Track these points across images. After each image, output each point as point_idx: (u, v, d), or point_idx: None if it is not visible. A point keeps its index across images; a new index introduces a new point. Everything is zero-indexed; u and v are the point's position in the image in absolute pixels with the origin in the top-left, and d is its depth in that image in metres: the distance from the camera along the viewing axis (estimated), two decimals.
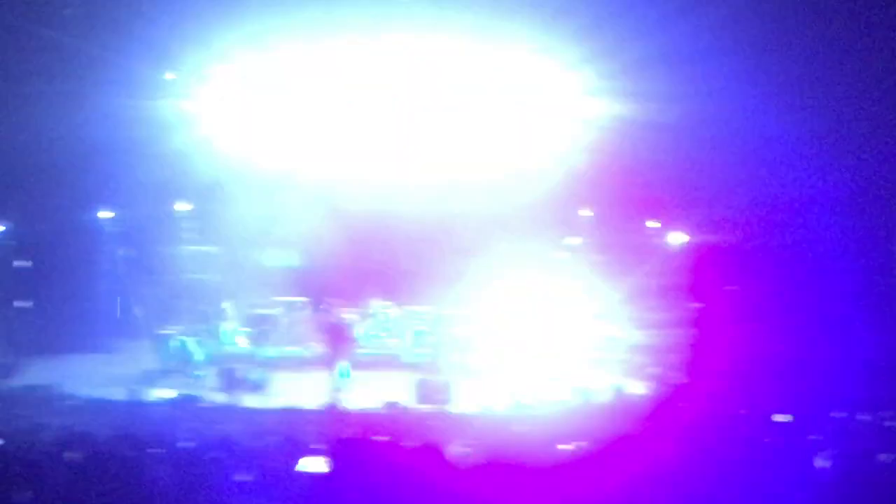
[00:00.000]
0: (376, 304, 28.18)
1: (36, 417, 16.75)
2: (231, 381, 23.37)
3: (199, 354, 25.70)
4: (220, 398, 22.53)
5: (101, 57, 25.01)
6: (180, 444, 13.42)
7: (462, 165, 28.02)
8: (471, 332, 26.74)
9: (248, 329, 26.74)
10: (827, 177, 24.86)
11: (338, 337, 23.78)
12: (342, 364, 23.31)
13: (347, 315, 26.20)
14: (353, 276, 28.26)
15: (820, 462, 11.59)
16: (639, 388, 22.17)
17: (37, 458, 12.19)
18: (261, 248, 29.20)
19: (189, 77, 27.15)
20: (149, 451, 12.76)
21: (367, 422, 18.18)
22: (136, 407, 19.11)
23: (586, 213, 27.73)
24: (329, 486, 11.08)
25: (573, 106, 27.30)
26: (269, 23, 25.64)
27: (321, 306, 26.40)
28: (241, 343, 26.69)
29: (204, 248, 28.84)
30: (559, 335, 25.80)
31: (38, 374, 23.95)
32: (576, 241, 28.43)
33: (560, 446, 13.26)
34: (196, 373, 24.93)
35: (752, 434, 13.41)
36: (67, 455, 12.24)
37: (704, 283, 25.61)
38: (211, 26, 25.27)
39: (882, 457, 11.88)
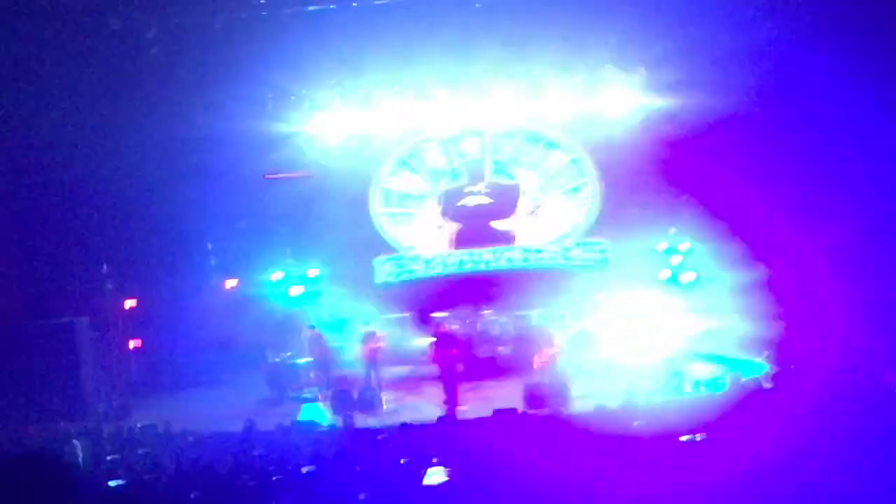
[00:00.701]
0: (486, 314, 28.27)
1: (156, 455, 16.89)
2: (345, 402, 23.46)
3: (312, 377, 25.93)
4: (336, 420, 22.63)
5: None
6: (301, 470, 13.46)
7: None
8: (580, 331, 26.70)
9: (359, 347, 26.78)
10: None
11: (450, 349, 23.82)
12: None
13: (457, 327, 26.38)
14: (460, 287, 28.52)
15: None
16: (756, 379, 21.88)
17: (160, 497, 12.29)
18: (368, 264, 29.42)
19: None
20: (270, 479, 12.82)
21: (483, 430, 18.07)
22: (253, 437, 19.14)
23: (690, 206, 27.44)
24: (451, 496, 11.07)
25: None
26: None
27: (431, 320, 26.59)
28: (354, 363, 26.71)
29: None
30: (669, 328, 25.65)
31: (155, 411, 24.32)
32: (682, 234, 28.22)
33: (681, 438, 13.15)
34: (309, 396, 25.14)
35: (876, 414, 13.15)
36: (192, 493, 12.31)
37: (817, 273, 25.26)
38: None
39: None
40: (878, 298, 23.34)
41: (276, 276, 28.41)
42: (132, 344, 27.60)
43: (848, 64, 24.02)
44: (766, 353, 23.13)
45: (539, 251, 29.34)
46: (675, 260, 28.05)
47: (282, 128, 28.42)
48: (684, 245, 28.08)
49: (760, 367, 22.32)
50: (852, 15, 24.36)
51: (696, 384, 22.28)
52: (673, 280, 27.78)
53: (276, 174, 28.83)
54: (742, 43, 25.61)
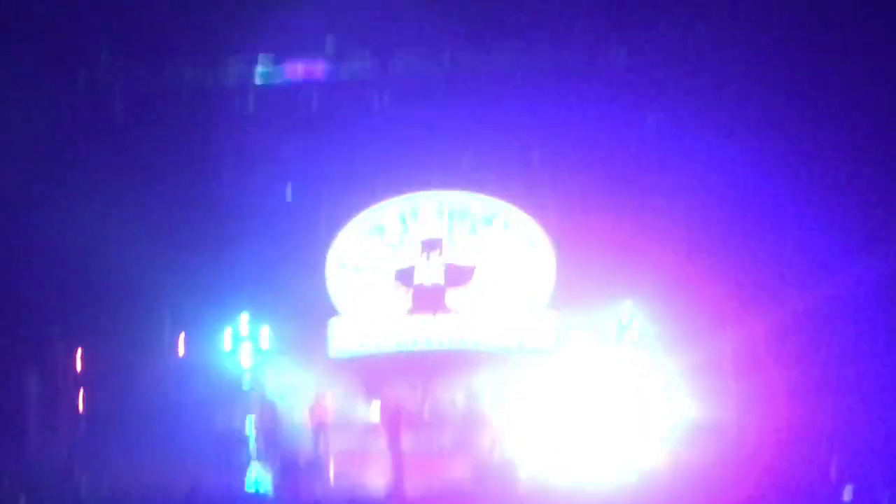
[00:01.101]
0: (437, 389, 28.21)
1: None
2: (292, 472, 23.35)
3: (260, 445, 25.81)
4: (282, 489, 22.55)
5: None
6: None
7: None
8: (529, 408, 26.64)
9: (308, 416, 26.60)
10: None
11: (399, 423, 23.74)
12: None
13: (407, 400, 26.34)
14: (412, 361, 28.49)
15: None
16: (700, 464, 21.96)
17: None
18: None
19: None
20: None
21: None
22: (198, 501, 19.01)
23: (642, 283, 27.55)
24: None
25: None
26: None
27: (381, 393, 26.58)
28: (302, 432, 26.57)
29: None
30: (619, 408, 25.65)
31: (101, 471, 24.11)
32: (630, 307, 28.25)
33: None
34: (256, 463, 24.99)
35: None
36: None
37: (765, 358, 25.49)
38: None
39: None
40: (838, 396, 23.63)
41: (228, 341, 28.28)
42: (79, 402, 27.28)
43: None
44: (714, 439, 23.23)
45: (493, 331, 29.33)
46: (628, 337, 28.02)
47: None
48: (635, 324, 28.08)
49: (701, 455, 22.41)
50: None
51: (641, 468, 22.32)
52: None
53: None
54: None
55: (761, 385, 24.59)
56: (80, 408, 27.52)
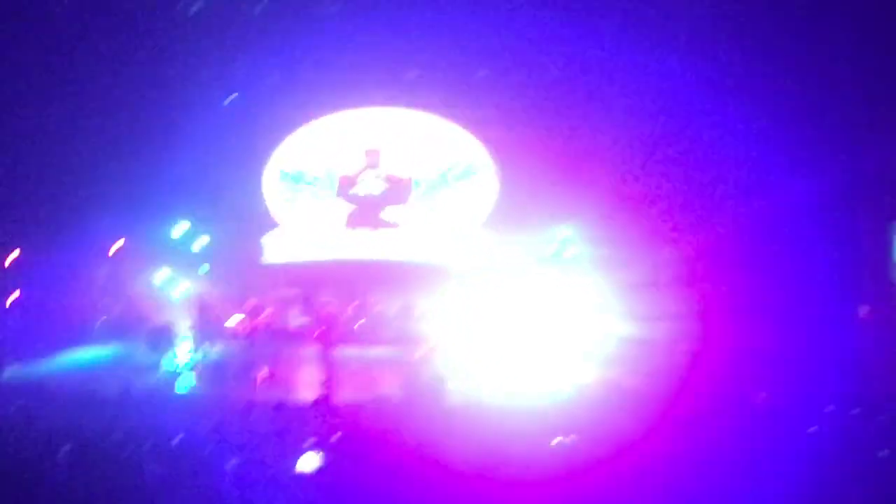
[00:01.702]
0: (372, 300, 28.24)
1: (29, 411, 16.63)
2: (224, 375, 23.37)
3: (194, 346, 25.75)
4: (213, 391, 22.56)
5: None
6: (173, 439, 13.36)
7: None
8: (461, 325, 26.69)
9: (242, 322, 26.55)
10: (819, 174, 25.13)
11: (332, 332, 23.73)
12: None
13: (341, 310, 26.32)
14: (348, 272, 28.51)
15: (813, 456, 11.60)
16: (633, 382, 22.11)
17: (30, 453, 12.13)
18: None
19: None
20: (142, 446, 12.71)
21: (358, 416, 18.07)
22: (128, 401, 18.93)
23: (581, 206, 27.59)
24: (324, 483, 11.07)
25: None
26: None
27: (316, 302, 26.58)
28: (236, 336, 26.56)
29: None
30: (552, 327, 25.76)
31: (32, 369, 24.06)
32: (568, 232, 28.32)
33: (554, 440, 13.27)
34: (189, 364, 24.93)
35: (748, 428, 13.40)
36: (62, 451, 12.18)
37: (700, 278, 25.75)
38: None
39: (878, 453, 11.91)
40: (768, 312, 23.91)
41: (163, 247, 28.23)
42: (10, 298, 27.07)
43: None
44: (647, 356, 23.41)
45: (429, 242, 29.40)
46: (562, 259, 28.13)
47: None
48: (570, 245, 28.19)
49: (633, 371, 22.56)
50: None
51: (573, 386, 22.44)
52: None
53: None
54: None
55: (694, 304, 24.84)
56: (13, 303, 27.28)
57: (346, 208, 29.55)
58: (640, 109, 26.56)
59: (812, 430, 13.46)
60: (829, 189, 24.93)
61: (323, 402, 21.02)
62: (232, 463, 12.07)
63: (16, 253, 26.95)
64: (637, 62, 25.70)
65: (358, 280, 28.36)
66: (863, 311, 25.33)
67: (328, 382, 22.47)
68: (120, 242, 28.69)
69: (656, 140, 26.67)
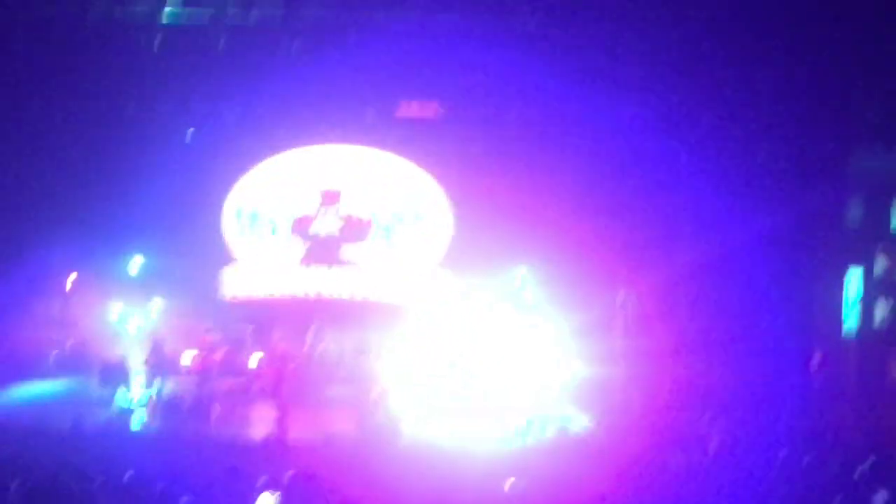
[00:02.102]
0: (327, 338, 28.21)
1: None
2: (177, 411, 23.28)
3: (146, 381, 25.61)
4: (166, 427, 22.48)
5: None
6: (124, 475, 13.31)
7: None
8: (416, 364, 26.67)
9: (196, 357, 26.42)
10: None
11: (286, 369, 23.67)
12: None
13: (296, 347, 26.27)
14: (303, 308, 28.48)
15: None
16: (586, 425, 22.19)
17: None
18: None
19: None
20: (93, 482, 12.66)
21: (313, 456, 18.07)
22: (79, 436, 18.84)
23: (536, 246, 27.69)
24: None
25: None
26: None
27: (270, 337, 26.57)
28: (189, 372, 26.44)
29: None
30: (507, 367, 25.81)
31: None
32: (524, 272, 28.42)
33: (507, 483, 13.29)
34: (141, 400, 24.80)
35: (704, 470, 13.51)
36: (12, 484, 12.10)
37: (654, 318, 25.92)
38: None
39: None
40: (722, 353, 24.13)
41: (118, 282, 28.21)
42: None
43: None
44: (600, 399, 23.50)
45: (386, 282, 29.45)
46: (522, 301, 28.19)
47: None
48: (529, 288, 28.27)
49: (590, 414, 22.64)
50: None
51: (531, 430, 22.44)
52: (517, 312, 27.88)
53: None
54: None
55: (649, 343, 25.00)
56: None
57: (302, 246, 29.54)
58: (596, 151, 26.82)
59: (766, 473, 13.57)
60: (782, 229, 25.23)
61: (276, 441, 21.02)
62: (184, 501, 12.03)
63: None
64: (592, 103, 25.94)
65: (313, 317, 28.32)
66: (814, 352, 25.58)
67: (281, 421, 22.41)
68: (73, 276, 28.58)
69: (612, 181, 26.86)
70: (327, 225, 29.46)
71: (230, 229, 29.51)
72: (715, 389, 21.88)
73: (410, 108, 28.69)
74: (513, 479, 13.36)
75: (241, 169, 29.60)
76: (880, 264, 26.55)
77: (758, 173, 25.85)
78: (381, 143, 29.49)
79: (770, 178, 25.89)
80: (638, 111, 25.96)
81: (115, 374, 25.46)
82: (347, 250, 29.43)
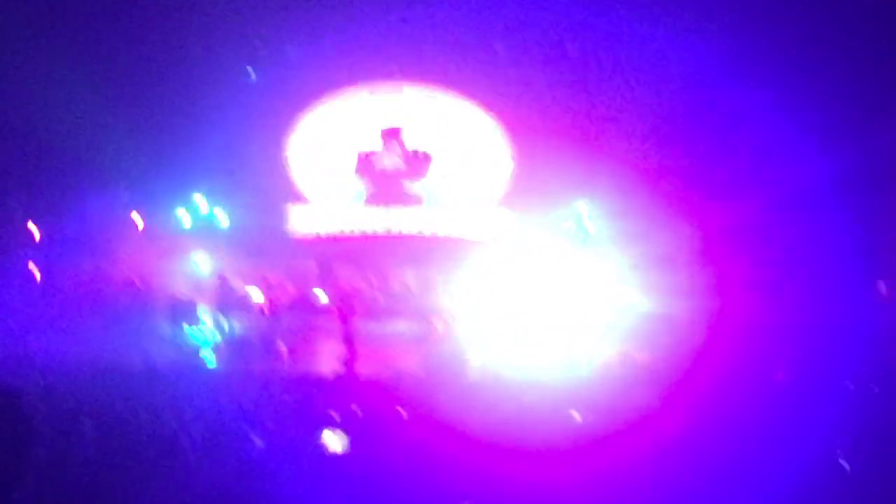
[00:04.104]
0: (392, 274, 28.33)
1: (52, 386, 16.75)
2: (247, 349, 23.52)
3: (215, 320, 25.88)
4: (235, 365, 22.72)
5: None
6: (197, 414, 13.52)
7: None
8: (485, 300, 26.73)
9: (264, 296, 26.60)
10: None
11: (353, 306, 23.76)
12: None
13: (362, 284, 26.38)
14: (369, 246, 28.62)
15: (829, 435, 11.67)
16: (650, 357, 22.17)
17: (56, 429, 12.27)
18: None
19: None
20: (165, 421, 12.86)
21: (382, 392, 18.23)
22: (151, 375, 19.05)
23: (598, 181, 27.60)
24: (346, 457, 11.21)
25: None
26: None
27: (338, 276, 26.74)
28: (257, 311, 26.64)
29: None
30: (570, 302, 25.81)
31: (54, 342, 24.27)
32: (586, 206, 28.39)
33: (572, 415, 13.38)
34: (210, 339, 25.02)
35: (765, 406, 13.48)
36: (86, 426, 12.32)
37: (717, 253, 25.78)
38: None
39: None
40: (785, 289, 23.92)
41: (186, 219, 28.45)
42: (33, 271, 27.16)
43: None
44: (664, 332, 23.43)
45: (449, 217, 29.53)
46: (581, 232, 28.12)
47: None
48: (590, 220, 28.20)
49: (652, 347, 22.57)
50: None
51: (592, 362, 22.48)
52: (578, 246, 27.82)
53: None
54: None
55: (711, 279, 24.89)
56: (37, 280, 27.33)
57: (366, 185, 29.67)
58: (658, 85, 26.61)
59: (830, 408, 13.52)
60: (848, 167, 24.89)
61: (344, 378, 21.22)
62: (255, 437, 12.21)
63: (37, 230, 27.02)
64: (654, 38, 25.71)
65: (379, 254, 28.45)
66: (881, 289, 25.31)
67: (349, 357, 22.56)
68: (140, 216, 28.82)
69: (674, 114, 26.67)
70: (390, 160, 29.55)
71: (295, 167, 29.67)
72: (780, 325, 21.69)
73: (467, 45, 28.58)
74: (578, 411, 13.45)
75: (306, 108, 29.71)
76: None
77: (821, 108, 25.47)
78: (440, 82, 29.49)
79: (839, 117, 25.50)
80: (705, 44, 25.62)
81: (185, 312, 25.72)
82: (410, 186, 29.52)
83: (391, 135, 29.58)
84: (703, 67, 25.72)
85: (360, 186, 29.66)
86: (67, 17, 26.55)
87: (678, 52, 25.93)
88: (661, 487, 10.64)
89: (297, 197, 29.58)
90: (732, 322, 22.29)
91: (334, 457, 11.48)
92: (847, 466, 11.42)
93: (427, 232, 29.24)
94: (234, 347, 24.14)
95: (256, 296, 26.76)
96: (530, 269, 26.73)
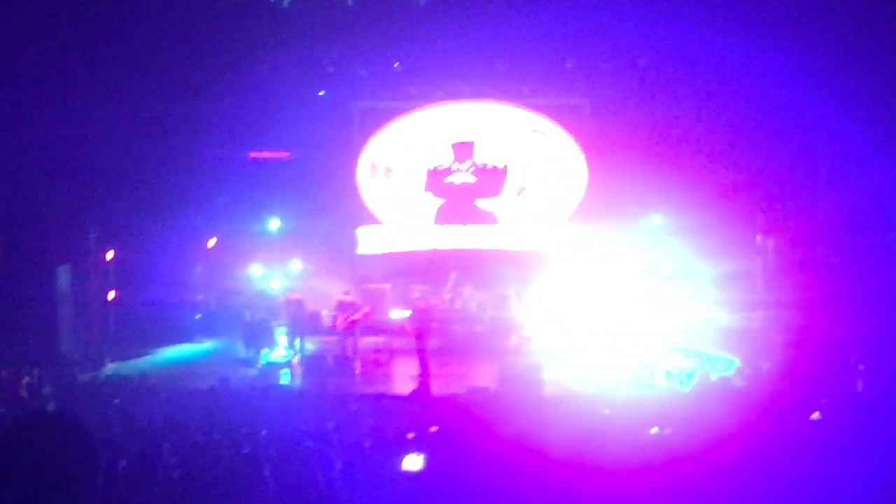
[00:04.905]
0: (465, 291, 28.29)
1: (128, 407, 16.89)
2: (320, 368, 23.58)
3: (289, 340, 25.96)
4: (310, 386, 22.78)
5: None
6: (272, 432, 13.57)
7: None
8: (558, 315, 26.64)
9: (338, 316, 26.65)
10: None
11: (426, 324, 23.74)
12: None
13: (435, 302, 26.37)
14: (441, 262, 28.64)
15: None
16: (726, 373, 21.98)
17: (131, 450, 12.35)
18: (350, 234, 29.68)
19: None
20: (240, 439, 12.92)
21: (456, 408, 18.23)
22: (226, 394, 19.18)
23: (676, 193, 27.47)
24: (424, 473, 11.20)
25: None
26: None
27: (410, 294, 26.78)
28: (331, 330, 26.69)
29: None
30: (647, 318, 25.69)
31: (131, 364, 24.55)
32: (662, 221, 28.29)
33: (649, 431, 13.30)
34: (285, 359, 25.10)
35: (843, 424, 13.31)
36: (163, 446, 12.41)
37: (796, 267, 25.55)
38: None
39: None
40: (861, 298, 23.58)
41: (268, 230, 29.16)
42: (111, 295, 27.41)
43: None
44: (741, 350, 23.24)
45: (522, 233, 29.53)
46: (655, 251, 28.02)
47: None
48: (664, 237, 28.10)
49: (733, 363, 22.38)
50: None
51: (669, 377, 22.33)
52: (651, 271, 27.72)
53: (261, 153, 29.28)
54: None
55: (791, 293, 24.62)
56: (114, 299, 27.53)
57: (436, 202, 29.74)
58: (734, 100, 26.48)
59: None
60: None
61: (420, 394, 21.23)
62: (335, 454, 12.24)
63: (112, 252, 27.24)
64: (732, 53, 25.54)
65: (452, 270, 28.46)
66: None
67: (424, 374, 22.55)
68: (213, 240, 29.06)
69: (748, 128, 26.53)
70: (462, 175, 29.62)
71: (365, 185, 29.80)
72: (859, 338, 21.39)
73: (539, 60, 28.60)
74: (657, 427, 13.36)
75: (376, 126, 29.84)
76: None
77: None
78: (512, 97, 29.53)
79: None
80: (779, 53, 25.40)
81: (259, 334, 25.85)
82: (483, 202, 29.55)
83: (463, 149, 29.63)
84: (780, 83, 25.49)
85: (430, 202, 29.73)
86: (127, 42, 26.66)
87: (754, 67, 25.74)
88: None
89: (369, 217, 29.71)
90: (809, 335, 22.04)
91: (412, 475, 11.47)
92: None
93: (499, 246, 29.26)
94: (308, 368, 24.19)
95: (329, 317, 26.82)
96: (605, 284, 26.62)
